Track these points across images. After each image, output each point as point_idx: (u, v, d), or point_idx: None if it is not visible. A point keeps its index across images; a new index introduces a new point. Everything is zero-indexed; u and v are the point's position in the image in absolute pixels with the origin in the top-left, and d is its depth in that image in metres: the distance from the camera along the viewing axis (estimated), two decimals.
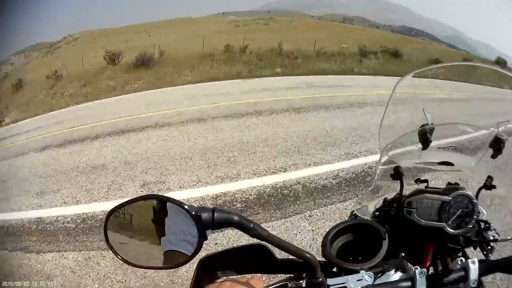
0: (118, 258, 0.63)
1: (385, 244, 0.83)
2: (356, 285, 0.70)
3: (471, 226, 0.84)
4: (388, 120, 1.08)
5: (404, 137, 1.03)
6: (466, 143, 1.07)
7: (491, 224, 0.87)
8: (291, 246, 0.62)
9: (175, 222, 0.61)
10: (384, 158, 1.06)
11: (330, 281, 0.70)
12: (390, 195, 1.02)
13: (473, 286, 0.64)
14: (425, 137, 0.97)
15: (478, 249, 0.85)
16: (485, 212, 0.91)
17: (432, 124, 0.98)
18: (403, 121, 1.12)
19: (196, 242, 0.58)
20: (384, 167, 1.05)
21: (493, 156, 0.95)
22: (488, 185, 0.91)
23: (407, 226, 0.88)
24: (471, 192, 0.88)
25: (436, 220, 0.85)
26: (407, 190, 0.94)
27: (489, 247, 0.83)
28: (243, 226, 0.60)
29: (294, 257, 0.64)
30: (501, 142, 0.93)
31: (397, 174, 0.94)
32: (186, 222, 0.58)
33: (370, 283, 0.70)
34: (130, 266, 0.65)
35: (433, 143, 1.00)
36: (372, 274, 0.72)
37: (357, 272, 0.73)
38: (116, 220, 0.64)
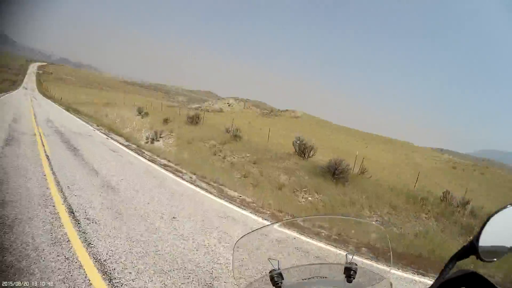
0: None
1: None
2: None
3: None
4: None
5: (256, 282, 1.24)
6: (327, 272, 1.30)
7: None
8: None
9: None
10: None
11: None
12: None
13: None
14: (273, 280, 1.17)
15: None
16: None
17: (279, 269, 1.19)
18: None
19: None
20: None
21: (349, 281, 1.17)
22: None
23: None
24: None
25: None
26: None
27: None
28: None
29: None
30: (351, 270, 1.16)
31: None
32: None
33: None
34: None
35: (295, 277, 1.25)
36: None
37: None
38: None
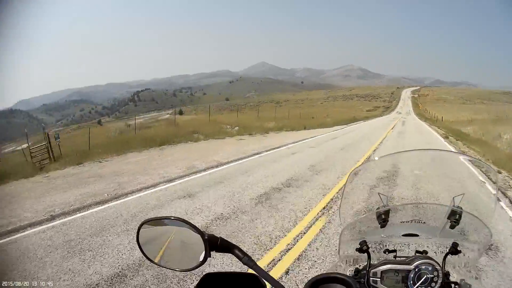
0: (145, 256, 0.90)
1: None
2: None
3: None
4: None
5: (363, 218, 1.21)
6: (428, 217, 1.17)
7: (462, 284, 0.98)
8: (276, 282, 0.79)
9: (192, 240, 0.87)
10: (347, 235, 1.18)
11: None
12: (361, 265, 1.10)
13: None
14: (380, 218, 1.11)
15: None
16: (455, 275, 1.05)
17: (387, 205, 1.13)
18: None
19: (203, 256, 0.84)
20: (350, 241, 1.17)
21: (451, 227, 1.08)
22: (453, 250, 1.03)
23: None
24: (436, 259, 1.00)
25: None
26: (376, 261, 1.06)
27: None
28: (238, 255, 0.85)
29: None
30: (457, 214, 1.07)
31: (362, 247, 1.07)
32: (200, 242, 0.85)
33: None
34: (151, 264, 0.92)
35: (396, 218, 1.15)
36: None
37: None
38: (148, 228, 0.94)
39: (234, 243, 0.86)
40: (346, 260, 1.18)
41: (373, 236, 1.15)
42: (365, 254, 1.07)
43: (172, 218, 0.90)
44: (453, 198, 1.09)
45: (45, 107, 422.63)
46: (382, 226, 1.11)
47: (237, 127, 19.81)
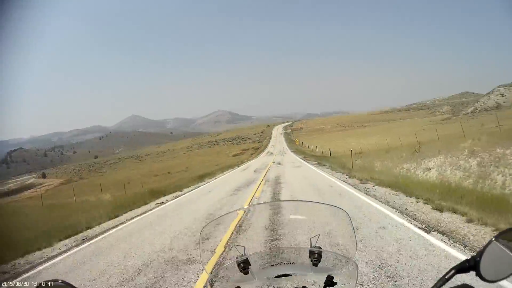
0: None
1: None
2: None
3: None
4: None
5: (225, 267, 1.25)
6: (295, 258, 1.27)
7: None
8: None
9: None
10: (220, 285, 1.20)
11: None
12: None
13: None
14: (240, 266, 1.15)
15: None
16: None
17: (245, 254, 1.18)
18: None
19: None
20: None
21: (315, 264, 1.16)
22: (330, 283, 1.10)
23: None
24: None
25: None
26: None
27: None
28: None
29: None
30: (315, 253, 1.16)
31: None
32: None
33: None
34: None
35: (261, 265, 1.23)
36: None
37: None
38: None
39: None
40: None
41: (245, 283, 1.16)
42: None
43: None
44: (310, 239, 1.19)
45: None
46: (245, 273, 1.14)
47: None
